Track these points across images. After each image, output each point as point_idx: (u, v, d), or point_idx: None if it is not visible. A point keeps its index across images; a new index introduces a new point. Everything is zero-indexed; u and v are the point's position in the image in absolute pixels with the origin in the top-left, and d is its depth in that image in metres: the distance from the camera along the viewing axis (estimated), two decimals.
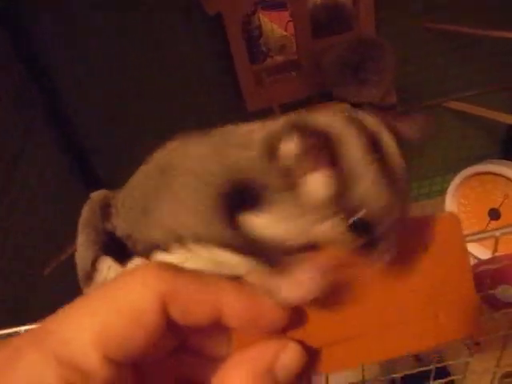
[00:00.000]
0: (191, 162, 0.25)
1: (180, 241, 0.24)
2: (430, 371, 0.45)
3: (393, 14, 0.77)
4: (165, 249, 0.25)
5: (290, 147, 0.21)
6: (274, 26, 1.04)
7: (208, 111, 0.81)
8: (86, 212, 0.32)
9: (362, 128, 0.22)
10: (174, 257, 0.24)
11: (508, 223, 0.27)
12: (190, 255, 0.24)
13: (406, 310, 0.24)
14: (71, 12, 0.69)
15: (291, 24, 0.96)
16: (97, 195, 0.33)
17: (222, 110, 0.82)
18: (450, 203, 0.94)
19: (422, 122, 0.24)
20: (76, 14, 0.69)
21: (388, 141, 0.23)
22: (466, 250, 0.25)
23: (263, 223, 0.23)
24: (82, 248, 0.31)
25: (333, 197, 0.21)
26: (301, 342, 0.23)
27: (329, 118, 0.23)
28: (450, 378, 0.50)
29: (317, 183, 0.21)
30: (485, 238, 0.25)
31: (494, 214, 0.90)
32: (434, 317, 0.24)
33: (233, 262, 0.23)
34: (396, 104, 0.76)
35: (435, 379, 0.45)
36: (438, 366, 0.43)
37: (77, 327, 0.19)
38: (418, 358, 0.70)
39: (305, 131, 0.21)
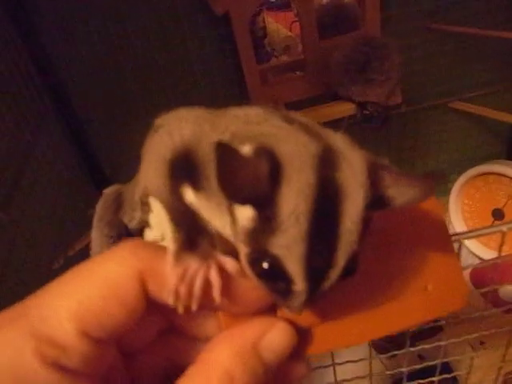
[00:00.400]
0: (171, 123, 0.26)
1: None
2: (434, 368, 0.45)
3: (398, 15, 0.77)
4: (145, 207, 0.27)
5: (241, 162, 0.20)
6: (279, 26, 1.05)
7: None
8: (99, 207, 0.33)
9: (325, 176, 0.20)
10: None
11: None
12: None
13: (395, 285, 0.24)
14: (80, 13, 0.70)
15: (296, 25, 0.96)
16: (110, 190, 0.34)
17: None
18: (454, 203, 0.94)
19: (420, 188, 0.21)
20: (82, 16, 0.70)
21: (353, 197, 0.20)
22: (446, 227, 0.26)
23: (197, 202, 0.23)
24: (97, 242, 0.32)
25: (250, 231, 0.20)
26: (291, 323, 0.22)
27: (298, 150, 0.20)
28: (453, 374, 0.51)
29: (243, 214, 0.20)
30: (492, 233, 0.26)
31: (498, 214, 0.90)
32: (423, 288, 0.24)
33: (167, 227, 0.24)
34: (401, 104, 0.77)
35: (439, 376, 0.46)
36: (443, 362, 0.44)
37: (55, 304, 0.19)
38: (421, 357, 0.70)
39: (264, 156, 0.20)
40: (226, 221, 0.22)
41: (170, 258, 0.21)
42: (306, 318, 0.23)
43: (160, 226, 0.27)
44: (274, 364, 0.21)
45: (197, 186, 0.23)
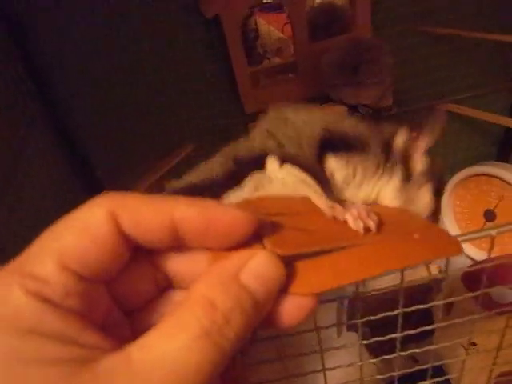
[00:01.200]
0: (301, 116, 0.38)
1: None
2: (426, 371, 0.45)
3: (389, 17, 0.77)
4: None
5: (401, 140, 0.36)
6: (271, 28, 1.04)
7: (205, 113, 0.82)
8: None
9: None
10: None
11: (507, 222, 0.28)
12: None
13: (382, 231, 0.26)
14: (70, 13, 0.69)
15: (288, 26, 0.96)
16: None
17: (219, 111, 0.82)
18: (446, 204, 0.94)
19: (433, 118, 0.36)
20: (75, 18, 0.70)
21: None
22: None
23: (338, 167, 0.35)
24: None
25: (426, 170, 0.35)
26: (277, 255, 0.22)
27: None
28: (446, 377, 0.51)
29: (418, 161, 0.35)
30: (481, 238, 0.26)
31: (490, 216, 0.91)
32: (410, 235, 0.25)
33: (310, 182, 0.33)
34: (392, 106, 0.77)
35: (432, 379, 0.45)
36: (436, 364, 0.44)
37: (39, 245, 0.21)
38: (414, 359, 0.70)
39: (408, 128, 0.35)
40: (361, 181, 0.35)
41: (223, 206, 0.23)
42: (291, 245, 0.23)
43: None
44: (261, 294, 0.21)
45: (338, 156, 0.34)
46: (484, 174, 0.89)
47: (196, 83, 0.79)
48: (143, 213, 0.21)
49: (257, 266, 0.21)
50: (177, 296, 0.25)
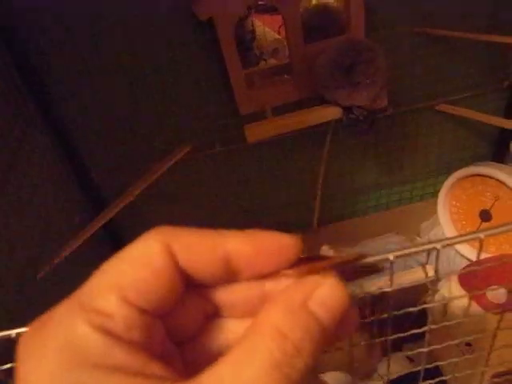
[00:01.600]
0: None
1: None
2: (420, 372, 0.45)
3: (383, 19, 0.77)
4: None
5: None
6: (267, 29, 1.04)
7: (200, 115, 0.82)
8: None
9: None
10: None
11: (497, 224, 0.28)
12: None
13: None
14: (70, 13, 0.69)
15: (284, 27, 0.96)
16: None
17: (214, 113, 0.82)
18: (442, 205, 0.95)
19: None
20: (74, 18, 0.70)
21: None
22: None
23: None
24: None
25: None
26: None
27: None
28: (441, 378, 0.51)
29: None
30: (470, 240, 0.26)
31: (485, 216, 0.91)
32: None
33: None
34: (387, 107, 0.77)
35: (428, 379, 0.46)
36: (428, 367, 0.44)
37: (99, 281, 0.21)
38: (410, 359, 0.71)
39: None
40: None
41: (271, 233, 0.23)
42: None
43: None
44: (328, 320, 0.21)
45: None
46: (479, 175, 0.89)
47: (192, 84, 0.79)
48: (197, 246, 0.22)
49: (324, 294, 0.21)
50: (229, 325, 0.25)
